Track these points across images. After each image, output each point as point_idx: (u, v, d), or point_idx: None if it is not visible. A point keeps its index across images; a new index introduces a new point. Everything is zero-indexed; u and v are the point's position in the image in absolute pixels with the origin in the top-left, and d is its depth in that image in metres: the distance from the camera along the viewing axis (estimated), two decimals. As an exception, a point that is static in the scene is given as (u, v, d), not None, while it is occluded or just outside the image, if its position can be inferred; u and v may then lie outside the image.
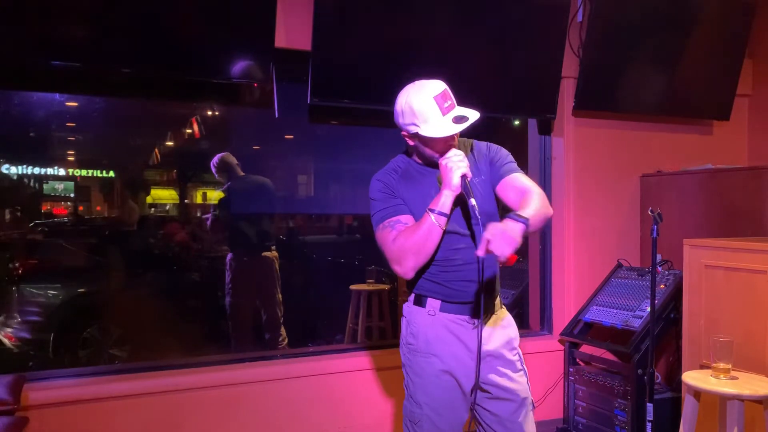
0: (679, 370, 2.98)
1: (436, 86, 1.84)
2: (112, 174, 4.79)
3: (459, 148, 1.90)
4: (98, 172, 4.75)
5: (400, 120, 1.91)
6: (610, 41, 3.46)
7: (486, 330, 1.97)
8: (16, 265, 4.20)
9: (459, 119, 1.81)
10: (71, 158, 4.66)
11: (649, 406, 2.59)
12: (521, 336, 3.64)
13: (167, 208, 5.16)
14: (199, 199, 5.41)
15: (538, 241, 3.78)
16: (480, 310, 1.92)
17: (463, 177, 1.81)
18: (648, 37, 3.55)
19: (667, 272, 3.32)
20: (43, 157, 4.42)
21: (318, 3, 2.80)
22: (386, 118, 3.83)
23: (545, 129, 3.74)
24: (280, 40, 2.92)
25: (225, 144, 4.77)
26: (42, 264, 4.30)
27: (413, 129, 1.86)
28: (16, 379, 2.30)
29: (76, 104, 4.16)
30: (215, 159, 4.08)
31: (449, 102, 1.83)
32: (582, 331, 3.43)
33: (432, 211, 1.83)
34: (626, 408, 3.05)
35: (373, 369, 3.21)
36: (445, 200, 1.83)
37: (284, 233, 4.70)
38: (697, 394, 2.51)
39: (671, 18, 3.57)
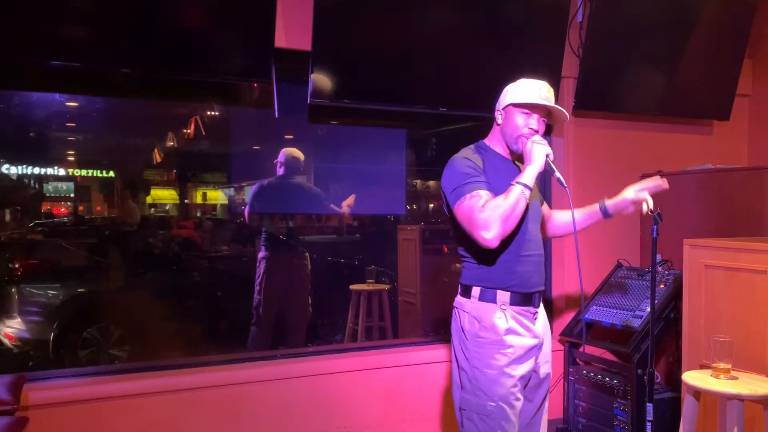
0: (679, 370, 2.98)
1: (542, 83, 2.09)
2: (112, 174, 4.79)
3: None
4: (98, 172, 4.75)
5: (502, 98, 2.14)
6: (610, 41, 3.46)
7: (540, 316, 2.15)
8: (16, 265, 4.19)
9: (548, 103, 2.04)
10: (71, 158, 4.65)
11: (649, 406, 2.59)
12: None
13: (167, 208, 5.16)
14: (199, 199, 5.41)
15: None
16: (538, 299, 2.12)
17: (547, 156, 1.98)
18: (648, 36, 3.55)
19: (667, 272, 3.32)
20: (43, 157, 4.42)
21: (318, 3, 2.80)
22: (386, 117, 3.83)
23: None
24: (280, 40, 2.92)
25: (225, 144, 4.76)
26: (42, 264, 4.30)
27: (507, 101, 2.09)
28: (16, 379, 2.30)
29: (76, 104, 4.16)
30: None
31: (550, 96, 2.08)
32: (582, 331, 3.43)
33: (518, 183, 1.93)
34: (626, 408, 3.05)
35: (373, 369, 3.22)
36: (530, 175, 1.95)
37: (284, 233, 4.69)
38: (697, 394, 2.50)
39: (671, 18, 3.57)
